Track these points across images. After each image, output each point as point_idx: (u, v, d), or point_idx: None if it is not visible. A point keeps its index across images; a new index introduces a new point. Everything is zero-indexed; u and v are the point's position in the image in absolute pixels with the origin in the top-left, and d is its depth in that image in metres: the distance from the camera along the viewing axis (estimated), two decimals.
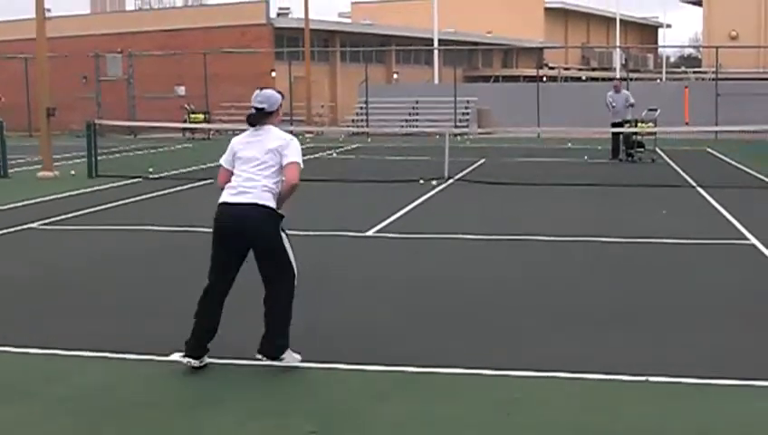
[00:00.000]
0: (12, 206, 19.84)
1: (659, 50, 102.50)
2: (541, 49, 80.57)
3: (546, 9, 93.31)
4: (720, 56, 48.18)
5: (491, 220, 17.70)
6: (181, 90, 54.18)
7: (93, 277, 12.61)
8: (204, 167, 28.03)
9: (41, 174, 26.12)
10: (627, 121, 30.00)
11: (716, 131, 38.89)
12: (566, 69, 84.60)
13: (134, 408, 7.44)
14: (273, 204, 8.06)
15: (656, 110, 31.00)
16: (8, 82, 52.48)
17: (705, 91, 44.93)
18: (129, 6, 71.48)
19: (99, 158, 26.46)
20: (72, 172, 26.81)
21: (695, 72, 74.63)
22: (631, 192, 21.85)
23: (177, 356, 8.24)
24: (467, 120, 49.42)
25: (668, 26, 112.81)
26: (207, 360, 8.18)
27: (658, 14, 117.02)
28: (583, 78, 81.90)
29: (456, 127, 45.27)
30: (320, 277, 11.49)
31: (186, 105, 50.03)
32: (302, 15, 50.67)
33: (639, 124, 30.02)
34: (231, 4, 61.49)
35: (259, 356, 8.16)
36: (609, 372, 8.06)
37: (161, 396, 7.74)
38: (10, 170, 26.81)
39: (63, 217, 18.12)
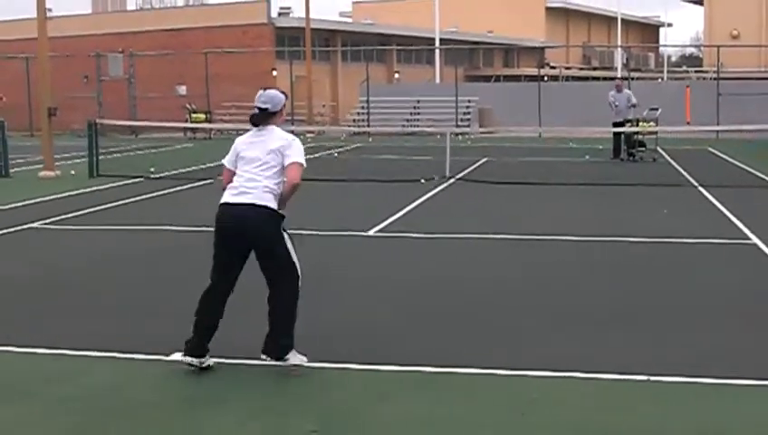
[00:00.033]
0: (13, 205, 19.84)
1: (661, 49, 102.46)
2: (542, 48, 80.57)
3: (547, 8, 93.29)
4: (721, 55, 48.20)
5: (492, 220, 17.69)
6: (182, 89, 54.16)
7: (94, 277, 12.61)
8: (205, 167, 28.03)
9: (42, 174, 26.11)
10: (628, 121, 29.99)
11: (718, 131, 38.90)
12: (567, 68, 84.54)
13: (135, 407, 7.43)
14: (273, 204, 8.05)
15: (657, 109, 30.98)
16: (9, 82, 52.51)
17: (707, 91, 44.91)
18: (131, 6, 71.61)
19: (100, 157, 26.45)
20: (73, 172, 26.82)
21: (696, 72, 74.70)
22: (632, 191, 21.83)
23: (177, 356, 8.23)
24: (468, 119, 49.42)
25: (670, 25, 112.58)
26: (210, 362, 8.15)
27: (660, 13, 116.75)
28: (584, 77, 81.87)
29: (457, 126, 45.30)
30: (320, 277, 11.47)
31: (187, 105, 50.06)
32: (303, 15, 50.66)
33: (641, 123, 30.01)
34: (232, 4, 61.49)
35: (263, 356, 8.13)
36: (609, 372, 8.06)
37: (162, 396, 7.74)
38: (11, 170, 26.81)
39: (64, 216, 18.12)
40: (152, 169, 27.06)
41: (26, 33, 41.87)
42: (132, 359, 8.60)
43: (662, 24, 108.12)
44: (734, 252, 14.22)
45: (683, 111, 41.67)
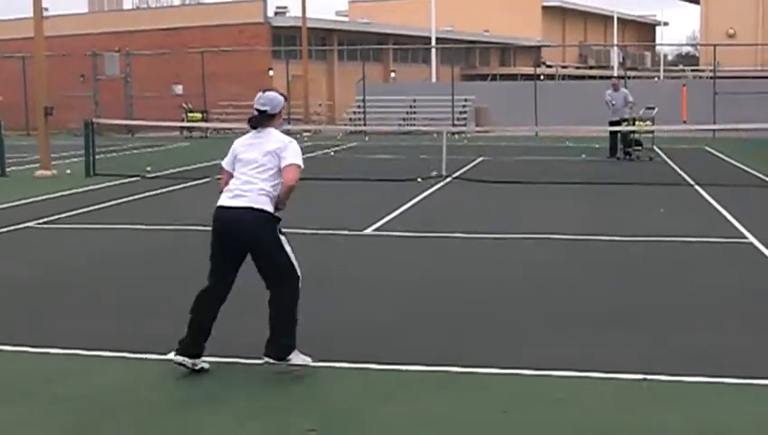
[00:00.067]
0: (10, 205, 19.83)
1: (657, 48, 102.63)
2: (538, 47, 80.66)
3: (544, 7, 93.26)
4: (718, 54, 48.26)
5: (489, 219, 17.70)
6: (179, 88, 54.16)
7: (92, 277, 12.60)
8: (201, 166, 28.00)
9: (38, 173, 26.09)
10: (625, 120, 29.99)
11: (714, 130, 38.91)
12: (564, 67, 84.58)
13: (135, 407, 7.44)
14: (269, 207, 8.03)
15: (653, 108, 31.00)
16: (6, 82, 52.41)
17: (703, 90, 44.97)
18: (127, 5, 71.49)
19: (96, 157, 26.45)
20: (68, 171, 26.80)
21: (692, 71, 74.76)
22: (629, 190, 21.85)
23: (171, 356, 8.18)
24: (465, 118, 49.40)
25: (666, 24, 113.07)
26: (204, 365, 8.12)
27: (656, 12, 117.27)
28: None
29: (453, 125, 45.25)
30: (318, 276, 11.46)
31: (183, 104, 50.04)
32: (300, 14, 50.67)
33: (637, 122, 30.02)
34: (228, 3, 61.43)
35: (265, 359, 8.05)
36: (609, 371, 8.07)
37: (161, 395, 7.74)
38: (8, 169, 26.80)
39: (61, 216, 18.12)
40: (149, 169, 27.05)
41: (23, 32, 41.78)
42: (132, 359, 8.60)
43: (658, 23, 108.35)
44: (732, 251, 14.24)
45: (679, 109, 41.70)
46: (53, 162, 27.22)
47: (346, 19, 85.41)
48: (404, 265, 13.34)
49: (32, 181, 24.87)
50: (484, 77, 73.99)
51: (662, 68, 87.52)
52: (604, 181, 23.43)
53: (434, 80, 60.06)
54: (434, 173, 24.26)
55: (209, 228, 8.21)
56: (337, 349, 8.73)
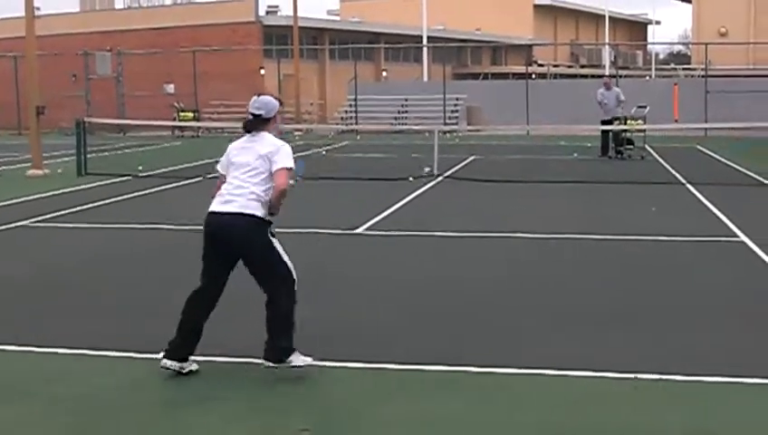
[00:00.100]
0: (1, 204, 19.82)
1: (649, 47, 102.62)
2: (530, 46, 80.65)
3: (535, 6, 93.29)
4: (709, 53, 48.33)
5: (481, 218, 17.72)
6: (170, 88, 54.09)
7: (85, 275, 12.61)
8: (193, 165, 27.98)
9: (30, 172, 26.07)
10: (616, 119, 29.99)
11: (706, 128, 38.94)
12: (555, 66, 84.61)
13: (134, 407, 7.46)
14: (259, 212, 8.00)
15: (645, 107, 31.02)
16: None
17: (695, 88, 45.03)
18: (119, 4, 71.23)
19: (88, 156, 26.41)
20: (60, 170, 26.77)
21: (684, 69, 74.77)
22: (621, 189, 21.88)
23: (160, 356, 8.10)
24: (456, 117, 49.40)
25: (658, 23, 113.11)
26: (193, 366, 8.09)
27: (648, 10, 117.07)
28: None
29: (445, 124, 45.24)
30: (312, 275, 11.44)
31: (175, 103, 49.99)
32: (291, 13, 50.57)
33: (629, 121, 30.03)
34: (220, 2, 61.34)
35: (265, 363, 8.01)
36: (609, 371, 8.11)
37: (161, 395, 7.76)
38: None
39: (53, 215, 18.11)
40: (140, 168, 27.03)
41: (14, 31, 41.80)
42: (132, 358, 8.61)
43: (650, 22, 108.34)
44: (723, 250, 14.28)
45: (671, 108, 41.72)
46: (45, 161, 27.20)
47: (337, 18, 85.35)
48: (398, 264, 13.36)
49: (23, 180, 24.84)
50: (475, 76, 73.95)
51: (654, 67, 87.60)
52: (596, 180, 23.45)
53: (425, 79, 60.03)
54: (426, 169, 24.32)
55: (201, 227, 8.20)
56: (333, 349, 8.72)
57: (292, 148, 8.34)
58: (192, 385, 7.88)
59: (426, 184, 22.68)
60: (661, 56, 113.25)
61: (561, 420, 7.08)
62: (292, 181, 8.22)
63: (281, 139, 8.30)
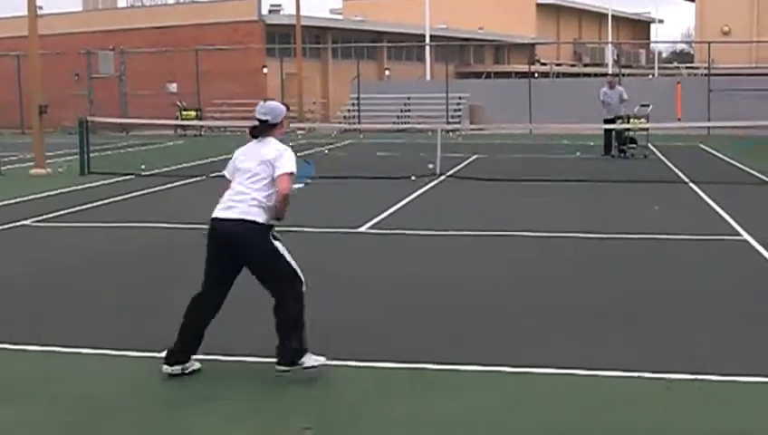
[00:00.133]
0: (4, 203, 19.83)
1: (652, 45, 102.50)
2: (533, 45, 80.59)
3: (538, 5, 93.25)
4: (712, 52, 48.30)
5: (484, 217, 17.71)
6: (173, 87, 54.05)
7: (88, 275, 12.60)
8: (196, 164, 27.98)
9: (33, 171, 26.08)
10: (619, 117, 29.95)
11: (709, 127, 38.95)
12: (558, 65, 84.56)
13: (134, 407, 7.45)
14: (261, 218, 7.96)
15: (648, 105, 30.99)
16: (0, 80, 52.38)
17: (698, 87, 44.99)
18: (121, 3, 71.29)
19: (91, 155, 26.40)
20: (60, 169, 26.77)
21: (687, 68, 74.82)
22: (624, 188, 21.86)
23: (163, 368, 8.06)
24: (459, 116, 49.36)
25: (661, 22, 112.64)
26: (195, 365, 8.07)
27: (651, 9, 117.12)
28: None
29: (447, 123, 45.22)
30: (315, 274, 11.37)
31: (177, 102, 49.99)
32: (294, 12, 50.58)
33: (632, 120, 30.01)
34: (223, 1, 61.31)
35: (279, 368, 7.97)
36: (609, 370, 8.09)
37: (161, 395, 7.75)
38: (2, 168, 26.77)
39: (56, 214, 18.11)
40: (143, 167, 27.04)
41: (17, 30, 41.81)
42: (132, 358, 8.61)
43: (653, 21, 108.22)
44: (727, 249, 14.26)
45: (674, 107, 41.72)
46: (48, 160, 27.23)
47: (340, 17, 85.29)
48: (401, 262, 13.34)
49: (26, 179, 24.85)
50: (478, 75, 74.00)
51: (657, 65, 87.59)
52: (599, 179, 23.43)
53: (428, 77, 60.02)
54: (430, 166, 24.31)
55: (205, 226, 8.18)
56: (335, 348, 8.68)
57: (295, 147, 8.32)
58: (192, 385, 7.86)
59: (428, 183, 22.66)
60: (664, 55, 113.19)
61: (563, 420, 7.06)
62: (301, 184, 8.19)
63: (284, 137, 8.28)
